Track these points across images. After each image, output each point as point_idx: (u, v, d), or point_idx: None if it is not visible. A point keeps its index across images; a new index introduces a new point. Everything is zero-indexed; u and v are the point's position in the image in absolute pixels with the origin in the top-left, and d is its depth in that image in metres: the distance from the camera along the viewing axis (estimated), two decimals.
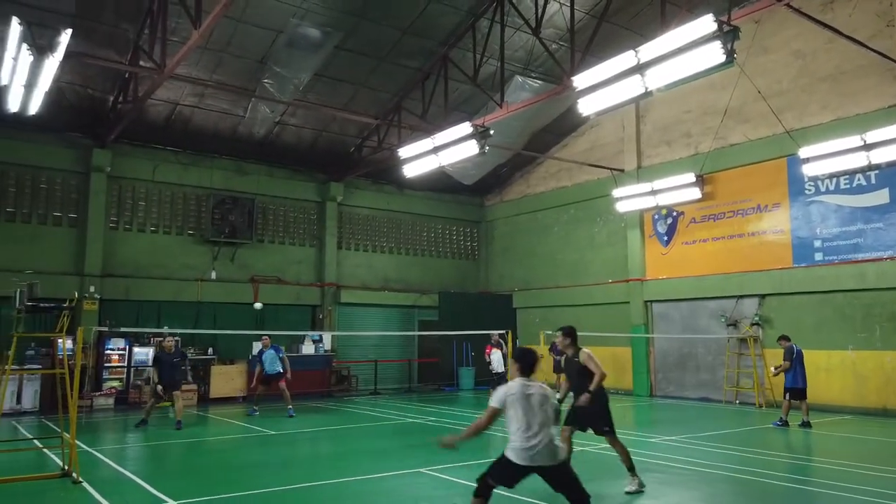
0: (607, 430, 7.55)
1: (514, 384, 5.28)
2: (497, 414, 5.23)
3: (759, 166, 16.32)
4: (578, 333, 7.84)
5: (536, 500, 6.73)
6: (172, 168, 18.20)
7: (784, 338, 13.01)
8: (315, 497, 7.41)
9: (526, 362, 5.34)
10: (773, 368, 13.42)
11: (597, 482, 7.91)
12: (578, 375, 7.69)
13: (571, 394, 8.05)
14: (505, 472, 5.17)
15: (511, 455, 5.12)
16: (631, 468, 7.44)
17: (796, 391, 12.62)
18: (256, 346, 16.43)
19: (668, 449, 10.02)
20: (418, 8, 14.57)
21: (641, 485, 7.40)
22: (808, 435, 11.77)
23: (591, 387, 7.43)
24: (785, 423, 12.41)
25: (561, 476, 5.15)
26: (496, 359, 16.10)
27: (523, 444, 5.06)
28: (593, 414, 7.50)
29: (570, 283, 20.94)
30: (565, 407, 7.81)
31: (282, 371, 14.63)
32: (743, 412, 14.95)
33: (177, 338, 17.03)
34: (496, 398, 5.24)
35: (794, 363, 12.66)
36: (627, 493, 7.25)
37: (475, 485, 5.31)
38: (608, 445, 7.76)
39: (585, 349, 7.75)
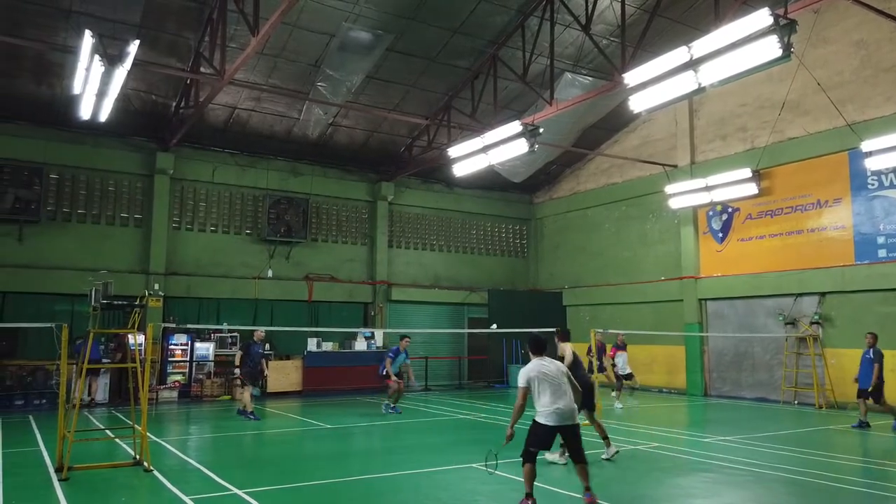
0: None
1: (532, 364, 6.39)
2: (527, 392, 6.30)
3: (818, 160, 15.84)
4: (630, 331, 8.26)
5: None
6: (231, 170, 18.82)
7: (873, 335, 12.50)
8: (373, 488, 7.63)
9: (537, 345, 6.53)
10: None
11: (643, 480, 7.94)
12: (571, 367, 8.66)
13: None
14: (539, 436, 6.27)
15: (542, 419, 6.25)
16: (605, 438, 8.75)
17: (861, 391, 12.35)
18: (365, 342, 17.53)
19: (722, 449, 9.90)
20: (468, 8, 14.67)
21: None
22: (868, 437, 11.44)
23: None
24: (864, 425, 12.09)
25: (573, 434, 6.35)
26: (621, 361, 16.17)
27: (552, 409, 6.18)
28: None
29: (621, 280, 20.74)
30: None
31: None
32: (802, 413, 14.58)
33: (235, 333, 17.71)
34: (521, 379, 6.35)
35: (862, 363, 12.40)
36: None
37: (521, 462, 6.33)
38: (660, 444, 7.88)
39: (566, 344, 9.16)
